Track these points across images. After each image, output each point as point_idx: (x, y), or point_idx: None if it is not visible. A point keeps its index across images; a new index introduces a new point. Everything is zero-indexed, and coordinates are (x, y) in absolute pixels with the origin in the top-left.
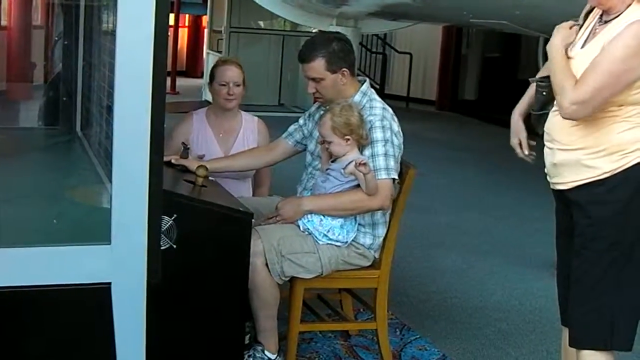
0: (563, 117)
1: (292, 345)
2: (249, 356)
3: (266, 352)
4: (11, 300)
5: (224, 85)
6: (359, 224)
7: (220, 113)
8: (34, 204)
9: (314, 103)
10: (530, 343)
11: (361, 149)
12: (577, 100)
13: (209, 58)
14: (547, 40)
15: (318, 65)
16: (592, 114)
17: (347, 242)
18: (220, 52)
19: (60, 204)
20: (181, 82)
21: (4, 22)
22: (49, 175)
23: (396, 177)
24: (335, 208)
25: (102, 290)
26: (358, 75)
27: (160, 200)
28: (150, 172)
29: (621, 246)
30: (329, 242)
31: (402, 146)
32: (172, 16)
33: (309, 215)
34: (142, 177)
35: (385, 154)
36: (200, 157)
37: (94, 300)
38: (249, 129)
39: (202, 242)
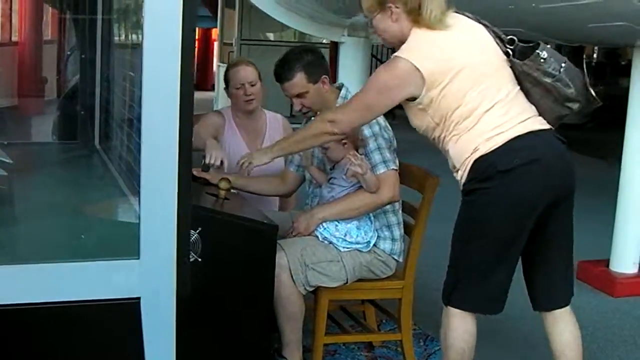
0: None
1: (317, 358)
2: None
3: None
4: (39, 316)
5: (239, 88)
6: (375, 230)
7: (244, 116)
8: (59, 219)
9: (305, 120)
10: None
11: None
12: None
13: (219, 71)
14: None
15: (299, 80)
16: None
17: (367, 242)
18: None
19: (86, 219)
20: None
21: (14, 38)
22: (72, 190)
23: (396, 167)
24: (346, 210)
25: (131, 305)
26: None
27: (189, 213)
28: (179, 185)
29: None
30: (350, 246)
31: (393, 140)
32: None
33: (324, 224)
34: (171, 190)
35: (378, 148)
36: (219, 167)
37: (123, 315)
38: (274, 129)
39: (227, 255)
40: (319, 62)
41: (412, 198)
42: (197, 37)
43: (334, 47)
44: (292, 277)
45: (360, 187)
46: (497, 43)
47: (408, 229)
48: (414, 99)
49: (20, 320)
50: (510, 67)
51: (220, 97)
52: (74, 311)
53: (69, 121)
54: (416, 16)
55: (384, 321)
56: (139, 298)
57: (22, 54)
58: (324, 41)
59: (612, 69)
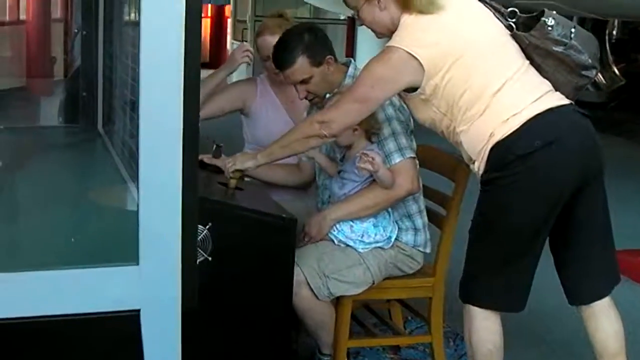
0: None
1: None
2: None
3: None
4: (15, 334)
5: (266, 60)
6: (394, 222)
7: (282, 83)
8: (45, 218)
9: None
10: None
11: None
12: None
13: (233, 49)
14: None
15: (302, 65)
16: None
17: (389, 239)
18: (245, 41)
19: (79, 217)
20: (205, 74)
21: (22, 17)
22: (65, 182)
23: (413, 154)
24: (360, 209)
25: (129, 319)
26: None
27: (196, 210)
28: (184, 176)
29: None
30: (369, 246)
31: (410, 121)
32: None
33: (337, 226)
34: (174, 182)
35: (393, 134)
36: (219, 147)
37: (120, 330)
38: None
39: (240, 252)
40: (322, 41)
41: (440, 184)
42: (210, 14)
43: (352, 23)
44: (312, 290)
45: (374, 181)
46: (497, 18)
47: (438, 221)
48: (414, 89)
49: None
50: (516, 41)
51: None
52: (59, 327)
53: (73, 103)
54: (405, 1)
55: (409, 318)
56: (138, 310)
57: (31, 33)
58: (341, 17)
59: (633, 46)
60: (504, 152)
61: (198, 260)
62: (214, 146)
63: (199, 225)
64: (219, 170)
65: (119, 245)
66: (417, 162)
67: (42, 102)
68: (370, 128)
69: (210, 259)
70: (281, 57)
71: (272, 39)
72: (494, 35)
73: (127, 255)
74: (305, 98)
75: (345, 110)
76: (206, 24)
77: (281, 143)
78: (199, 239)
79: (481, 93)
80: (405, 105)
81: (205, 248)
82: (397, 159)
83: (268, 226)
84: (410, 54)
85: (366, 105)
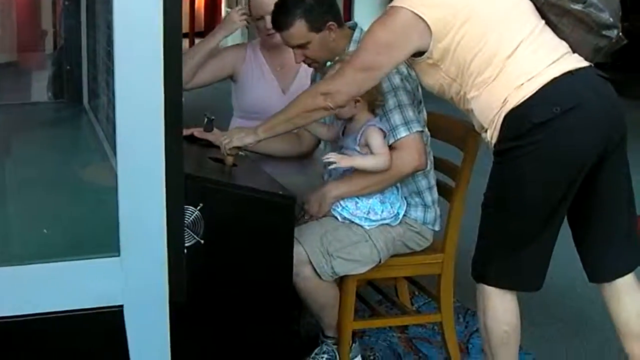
0: None
1: (345, 346)
2: (319, 354)
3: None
4: None
5: (259, 19)
6: (402, 197)
7: (273, 48)
8: (18, 204)
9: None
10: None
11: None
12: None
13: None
14: None
15: (299, 30)
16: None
17: (396, 215)
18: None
19: (55, 204)
20: None
21: None
22: (45, 163)
23: (421, 128)
24: (364, 187)
25: (111, 316)
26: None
27: (181, 193)
28: (167, 158)
29: None
30: (376, 223)
31: (418, 91)
32: None
33: (341, 202)
34: (156, 165)
35: (399, 106)
36: (210, 119)
37: (102, 329)
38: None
39: (236, 233)
40: (325, 4)
41: (448, 154)
42: None
43: None
44: (315, 270)
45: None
46: None
47: (447, 192)
48: (420, 53)
49: None
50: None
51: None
52: (34, 327)
53: (59, 78)
54: None
55: (416, 293)
56: (121, 306)
57: (20, 5)
58: None
59: (633, 5)
60: (519, 119)
61: (189, 244)
62: (205, 119)
63: (190, 206)
64: (210, 145)
65: (99, 234)
66: (428, 134)
67: (33, 77)
68: (373, 99)
69: (202, 241)
70: (278, 18)
71: None
72: None
73: (108, 246)
74: (303, 62)
75: (350, 79)
76: None
77: (283, 116)
78: (189, 220)
79: (493, 56)
80: (413, 73)
81: (197, 230)
82: (403, 133)
83: (265, 204)
84: (416, 14)
85: (372, 73)
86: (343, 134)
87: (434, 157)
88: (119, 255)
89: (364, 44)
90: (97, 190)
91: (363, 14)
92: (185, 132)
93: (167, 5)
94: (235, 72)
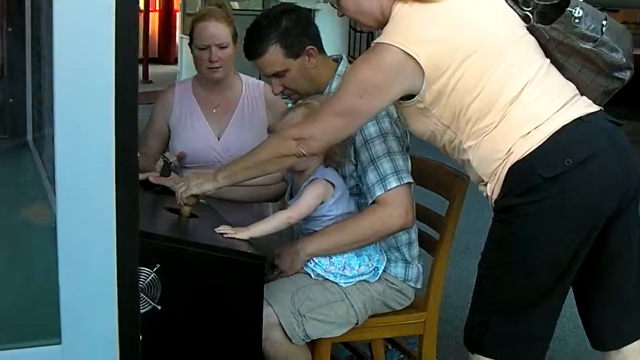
0: None
1: None
2: None
3: None
4: None
5: (204, 49)
6: (381, 251)
7: (210, 85)
8: None
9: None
10: None
11: (338, 167)
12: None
13: (182, 43)
14: None
15: (274, 55)
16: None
17: (375, 270)
18: None
19: None
20: (154, 69)
21: None
22: None
23: (411, 180)
24: (341, 244)
25: None
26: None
27: (136, 255)
28: (119, 214)
29: None
30: (352, 280)
31: (406, 137)
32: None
33: (314, 259)
34: (107, 224)
35: (389, 152)
36: (181, 158)
37: None
38: (252, 100)
39: (197, 298)
40: (302, 27)
41: (432, 202)
42: (158, 7)
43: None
44: (286, 333)
45: (352, 212)
46: (510, 6)
47: (430, 245)
48: (410, 96)
49: None
50: (534, 36)
51: (184, 71)
52: None
53: (0, 111)
54: None
55: (390, 347)
56: None
57: None
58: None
59: None
60: (526, 173)
61: (144, 310)
62: (162, 162)
63: (145, 268)
64: (167, 191)
65: (35, 315)
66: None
67: None
68: (331, 153)
69: (159, 307)
70: (250, 44)
71: (214, 27)
72: (509, 28)
73: (46, 331)
74: (282, 93)
75: (327, 125)
76: (154, 18)
77: (248, 162)
78: (144, 284)
79: (495, 100)
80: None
81: (153, 295)
82: (393, 183)
83: (230, 265)
84: (406, 53)
85: (353, 119)
86: (292, 189)
87: (415, 205)
88: (60, 343)
89: (345, 85)
90: (35, 253)
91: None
92: (140, 176)
93: (120, 32)
94: (169, 124)
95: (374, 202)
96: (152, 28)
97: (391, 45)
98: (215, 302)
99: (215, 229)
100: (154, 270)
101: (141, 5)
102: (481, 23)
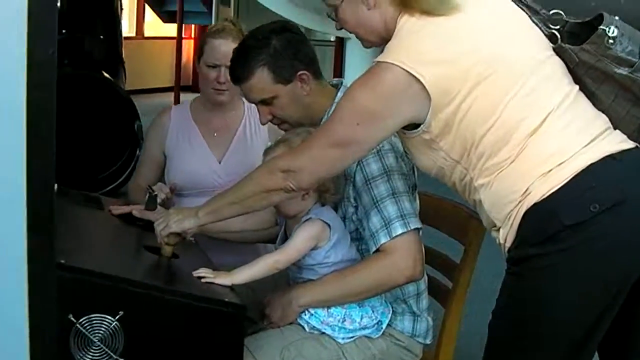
0: None
1: None
2: None
3: None
4: None
5: (213, 66)
6: (386, 302)
7: (212, 107)
8: None
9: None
10: None
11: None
12: None
13: None
14: None
15: (261, 80)
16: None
17: (379, 324)
18: None
19: None
20: (187, 97)
21: None
22: None
23: (419, 225)
24: (343, 295)
25: None
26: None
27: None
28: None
29: None
30: (352, 334)
31: (414, 174)
32: (175, 27)
33: (310, 309)
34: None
35: (394, 193)
36: (172, 190)
37: None
38: (253, 120)
39: (165, 352)
40: (293, 48)
41: (444, 245)
42: (192, 35)
43: (340, 44)
44: None
45: (353, 259)
46: (534, 23)
47: (442, 295)
48: (415, 125)
49: None
50: (561, 58)
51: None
52: None
53: None
54: None
55: None
56: None
57: None
58: (331, 38)
59: None
60: (545, 218)
61: None
62: (147, 194)
63: (107, 316)
64: (151, 226)
65: None
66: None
67: None
68: (325, 190)
69: None
70: (235, 66)
71: (227, 47)
72: (532, 49)
73: None
74: (270, 122)
75: (318, 155)
76: (189, 46)
77: (232, 197)
78: (105, 333)
79: (513, 131)
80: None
81: (114, 346)
82: (399, 229)
83: (204, 315)
84: (410, 74)
85: (349, 150)
86: (285, 232)
87: (425, 249)
88: None
89: (340, 111)
90: None
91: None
92: (123, 209)
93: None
94: (165, 150)
95: (377, 250)
96: (186, 56)
97: (393, 64)
98: (187, 357)
99: (193, 272)
100: (116, 318)
101: (174, 33)
102: (498, 41)
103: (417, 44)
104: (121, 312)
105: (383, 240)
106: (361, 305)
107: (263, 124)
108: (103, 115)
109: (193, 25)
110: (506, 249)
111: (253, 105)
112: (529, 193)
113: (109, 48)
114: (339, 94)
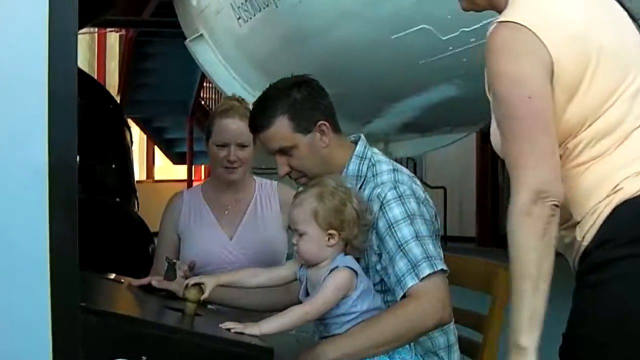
0: None
1: None
2: None
3: None
4: None
5: (222, 146)
6: (417, 354)
7: (223, 186)
8: None
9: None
10: None
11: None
12: None
13: None
14: None
15: (281, 129)
16: None
17: None
18: None
19: None
20: None
21: None
22: None
23: (445, 267)
24: (372, 346)
25: None
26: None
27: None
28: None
29: None
30: None
31: (437, 221)
32: (185, 169)
33: None
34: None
35: (417, 236)
36: (191, 267)
37: None
38: (265, 197)
39: None
40: (313, 99)
41: (468, 302)
42: (202, 177)
43: None
44: None
45: (377, 308)
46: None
47: (472, 350)
48: None
49: None
50: None
51: None
52: None
53: None
54: None
55: None
56: None
57: None
58: None
59: None
60: (636, 218)
61: None
62: (166, 264)
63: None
64: (173, 296)
65: None
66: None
67: None
68: (352, 237)
69: None
70: (255, 115)
71: (235, 125)
72: (632, 42)
73: None
74: (287, 175)
75: (541, 150)
76: None
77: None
78: None
79: (618, 124)
80: (430, 200)
81: None
82: (426, 270)
83: (233, 357)
84: (537, 37)
85: (542, 127)
86: (307, 284)
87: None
88: None
89: (501, 97)
90: None
91: None
92: (142, 281)
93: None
94: (178, 231)
95: (404, 295)
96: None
97: (517, 22)
98: None
99: (220, 324)
100: None
101: (184, 175)
102: (606, 30)
103: (540, 6)
104: (144, 358)
105: (410, 284)
106: (391, 357)
107: (281, 176)
108: (118, 238)
109: (203, 166)
110: (581, 248)
111: (264, 185)
112: (619, 189)
113: (120, 176)
114: (358, 147)
